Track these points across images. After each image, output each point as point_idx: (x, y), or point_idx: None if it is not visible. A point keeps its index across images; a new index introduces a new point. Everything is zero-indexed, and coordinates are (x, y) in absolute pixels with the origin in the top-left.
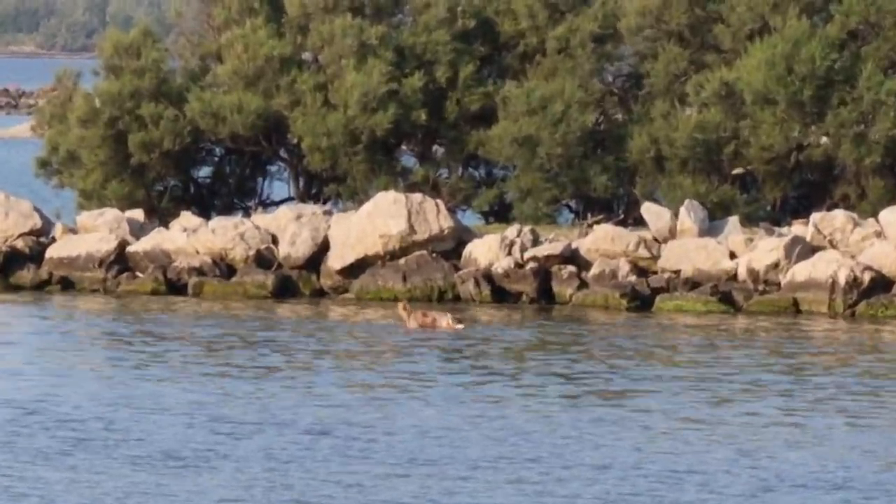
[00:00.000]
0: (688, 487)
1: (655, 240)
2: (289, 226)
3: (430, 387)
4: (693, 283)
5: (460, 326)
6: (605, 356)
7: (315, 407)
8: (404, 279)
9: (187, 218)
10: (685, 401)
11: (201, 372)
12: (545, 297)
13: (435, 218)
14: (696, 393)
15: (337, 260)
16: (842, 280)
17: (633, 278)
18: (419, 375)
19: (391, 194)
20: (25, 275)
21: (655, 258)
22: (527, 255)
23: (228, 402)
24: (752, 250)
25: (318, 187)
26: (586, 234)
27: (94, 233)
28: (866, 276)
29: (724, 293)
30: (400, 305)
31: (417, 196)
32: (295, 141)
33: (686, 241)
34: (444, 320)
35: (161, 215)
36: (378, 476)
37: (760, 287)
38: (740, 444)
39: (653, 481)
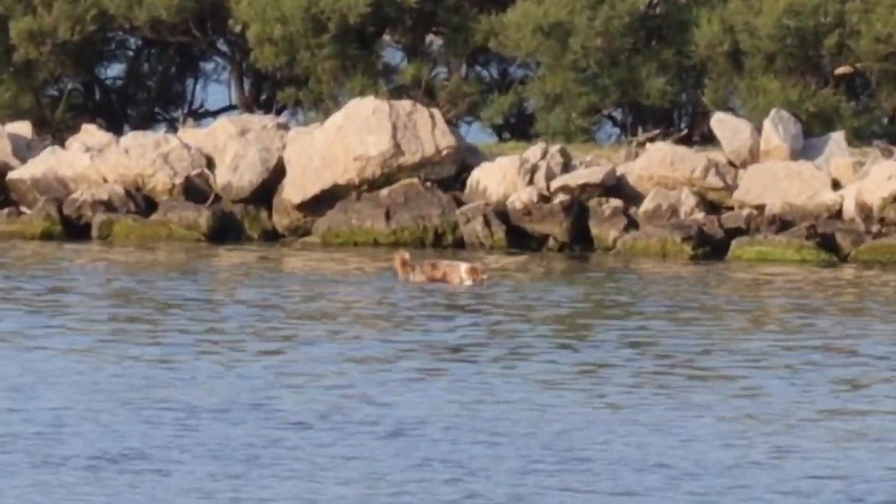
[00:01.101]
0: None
1: (731, 163)
2: (230, 144)
3: (442, 366)
4: (782, 223)
5: (482, 277)
6: (676, 323)
7: (285, 390)
8: (387, 217)
9: (91, 133)
10: (800, 384)
11: (115, 347)
12: (580, 241)
13: (429, 134)
14: (809, 374)
15: (295, 191)
16: None
17: (700, 216)
18: (428, 345)
19: (369, 101)
20: None
21: (730, 189)
22: (555, 184)
23: (155, 383)
24: (863, 178)
25: (270, 92)
26: (636, 155)
27: None
28: None
29: (825, 236)
30: (398, 258)
31: (405, 104)
32: (238, 29)
33: (772, 166)
34: (458, 272)
35: (55, 130)
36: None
37: (874, 228)
38: (885, 442)
39: (788, 493)
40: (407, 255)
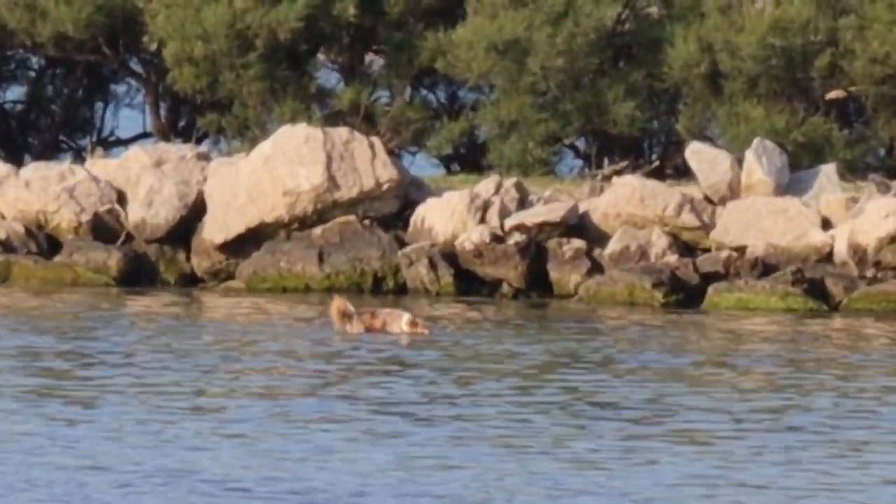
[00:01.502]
0: None
1: (708, 199)
2: (143, 177)
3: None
4: (765, 267)
5: (423, 331)
6: (652, 383)
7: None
8: (320, 259)
9: None
10: (803, 455)
11: (29, 405)
12: (537, 286)
13: (368, 165)
14: (816, 445)
15: (217, 230)
16: None
17: (672, 259)
18: (383, 403)
19: (301, 129)
20: None
21: (707, 228)
22: (509, 222)
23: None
24: (857, 216)
25: (189, 118)
26: (601, 190)
27: None
28: None
29: (814, 282)
30: (335, 305)
31: (342, 132)
32: (153, 47)
33: (755, 202)
34: (398, 322)
35: None
36: None
37: (869, 272)
38: None
39: None
40: (345, 304)
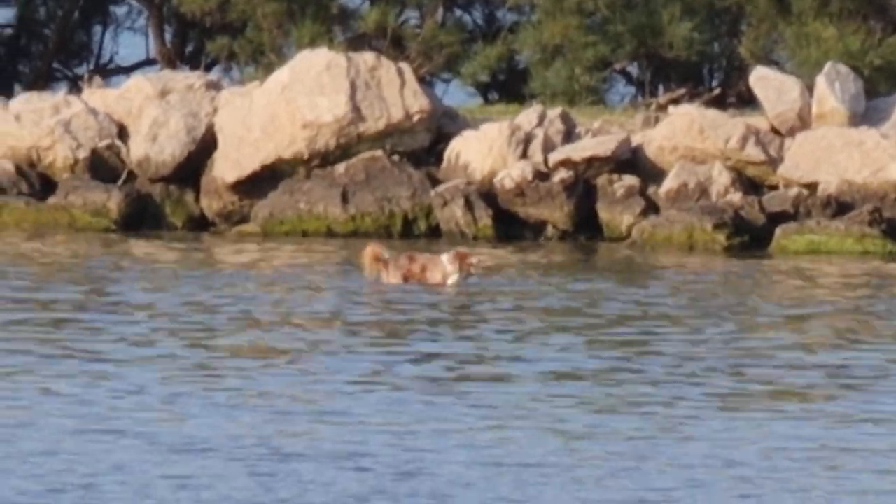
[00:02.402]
0: None
1: (775, 131)
2: (147, 108)
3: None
4: (839, 206)
5: (473, 261)
6: (717, 333)
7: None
8: (344, 199)
9: None
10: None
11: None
12: (586, 228)
13: (397, 94)
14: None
15: (229, 167)
16: None
17: (736, 197)
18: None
19: (322, 54)
20: None
21: (774, 162)
22: (554, 157)
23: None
24: None
25: (197, 43)
26: (656, 121)
27: None
28: None
29: (893, 222)
30: (369, 251)
31: (367, 57)
32: None
33: (827, 134)
34: (441, 269)
35: None
36: None
37: None
38: None
39: None
40: (380, 249)
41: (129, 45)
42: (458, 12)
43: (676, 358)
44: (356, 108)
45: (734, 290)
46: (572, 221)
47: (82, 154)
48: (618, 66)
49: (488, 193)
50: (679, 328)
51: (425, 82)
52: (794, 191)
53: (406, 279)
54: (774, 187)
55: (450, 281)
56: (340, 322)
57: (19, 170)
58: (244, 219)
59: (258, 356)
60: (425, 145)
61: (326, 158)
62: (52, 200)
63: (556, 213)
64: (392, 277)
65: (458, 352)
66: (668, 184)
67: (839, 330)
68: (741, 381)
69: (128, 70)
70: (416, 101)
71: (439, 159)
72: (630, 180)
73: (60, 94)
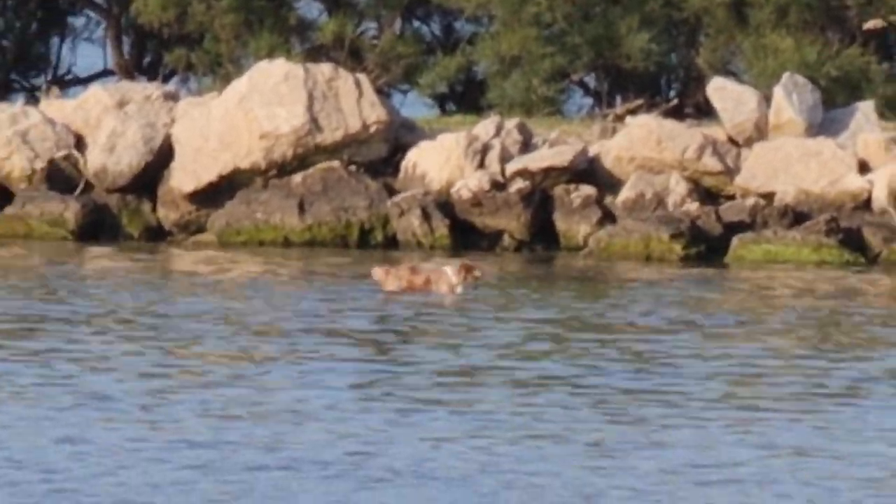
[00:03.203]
0: None
1: (732, 141)
2: (105, 119)
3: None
4: (796, 216)
5: (478, 274)
6: (678, 348)
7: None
8: (301, 210)
9: None
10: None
11: None
12: (542, 238)
13: (354, 105)
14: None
15: (186, 178)
16: None
17: (693, 207)
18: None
19: (279, 65)
20: None
21: (731, 173)
22: (511, 167)
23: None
24: None
25: (155, 54)
26: (613, 131)
27: None
28: None
29: (850, 232)
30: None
31: (325, 68)
32: None
33: (784, 144)
34: (446, 281)
35: None
36: None
37: None
38: None
39: None
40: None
41: (86, 56)
42: (416, 23)
43: (630, 367)
44: (313, 119)
45: (689, 299)
46: (529, 231)
47: (39, 164)
48: (575, 77)
49: (445, 204)
50: (630, 336)
51: (383, 93)
52: (751, 201)
53: (408, 289)
54: (731, 197)
55: (456, 292)
56: (284, 331)
57: None
58: (201, 229)
59: (209, 363)
60: (382, 156)
61: (283, 169)
62: (8, 211)
63: (513, 224)
64: (390, 285)
65: (425, 359)
66: (625, 194)
67: (796, 338)
68: (700, 388)
69: (85, 81)
70: (374, 112)
71: (396, 170)
72: (587, 190)
73: (18, 104)
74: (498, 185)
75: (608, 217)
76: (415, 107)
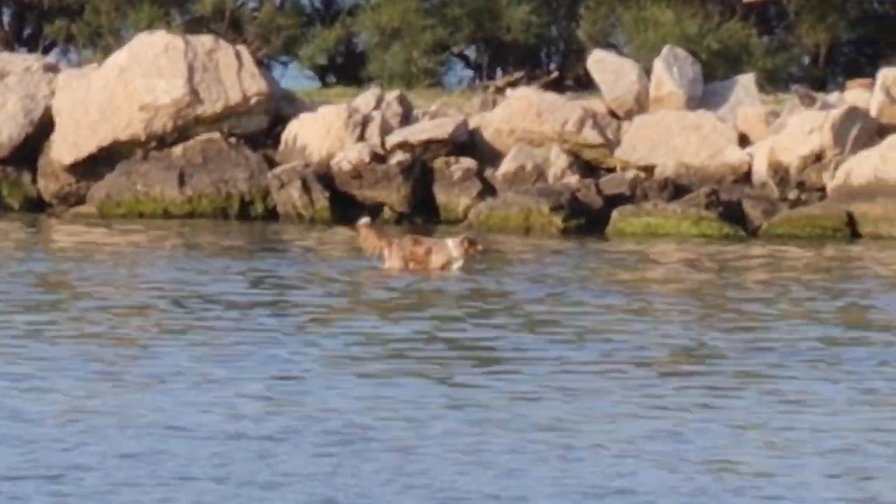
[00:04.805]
0: None
1: (612, 114)
2: None
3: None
4: (676, 189)
5: (479, 248)
6: (553, 323)
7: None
8: (181, 182)
9: None
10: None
11: None
12: (423, 211)
13: (234, 77)
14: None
15: (66, 149)
16: None
17: (573, 179)
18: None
19: (160, 37)
20: None
21: (612, 145)
22: (392, 139)
23: None
24: (778, 132)
25: (35, 25)
26: (494, 104)
27: None
28: None
29: (730, 205)
30: (363, 228)
31: (205, 40)
32: None
33: (665, 117)
34: (446, 253)
35: None
36: None
37: (791, 195)
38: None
39: None
40: (370, 224)
41: None
42: None
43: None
44: (194, 91)
45: (570, 272)
46: (409, 204)
47: None
48: (456, 50)
49: (325, 176)
50: (512, 309)
51: (263, 65)
52: (631, 174)
53: (408, 263)
54: (612, 170)
55: (454, 266)
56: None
57: None
58: (81, 200)
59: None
60: (263, 128)
61: (163, 141)
62: None
63: (393, 196)
64: (393, 261)
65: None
66: (506, 166)
67: (678, 311)
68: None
69: None
70: (254, 84)
71: (277, 142)
72: (467, 163)
73: None
74: (378, 158)
75: (488, 190)
76: (295, 79)
